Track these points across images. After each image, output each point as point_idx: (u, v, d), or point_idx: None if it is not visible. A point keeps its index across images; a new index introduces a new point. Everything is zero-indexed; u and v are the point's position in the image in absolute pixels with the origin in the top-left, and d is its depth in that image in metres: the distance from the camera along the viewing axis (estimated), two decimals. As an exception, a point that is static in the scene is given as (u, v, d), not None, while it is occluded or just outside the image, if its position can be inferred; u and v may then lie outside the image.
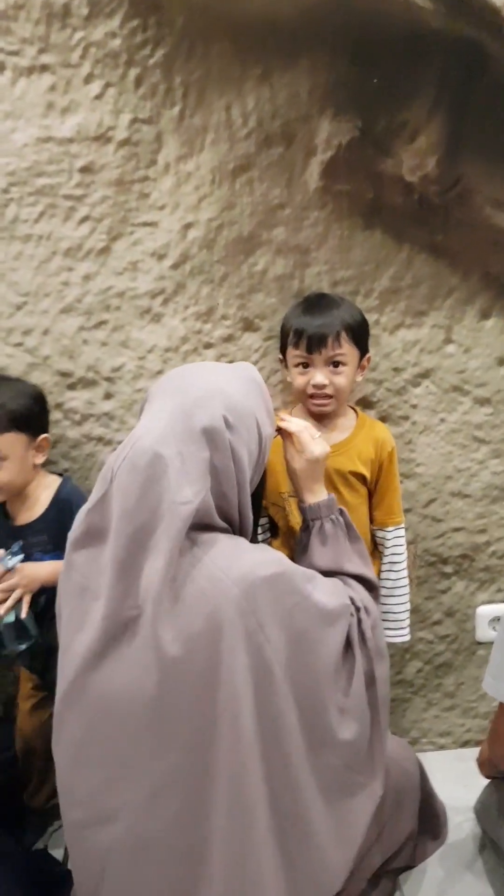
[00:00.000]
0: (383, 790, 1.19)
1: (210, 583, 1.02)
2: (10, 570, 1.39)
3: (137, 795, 1.04)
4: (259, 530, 1.64)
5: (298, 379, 1.49)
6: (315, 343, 1.43)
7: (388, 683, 1.24)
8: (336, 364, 1.46)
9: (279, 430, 1.36)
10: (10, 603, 1.38)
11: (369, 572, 1.29)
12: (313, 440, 1.35)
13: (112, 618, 1.06)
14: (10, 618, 1.40)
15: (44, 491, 1.50)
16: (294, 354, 1.47)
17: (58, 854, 1.57)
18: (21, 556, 1.41)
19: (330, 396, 1.48)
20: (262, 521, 1.63)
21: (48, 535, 1.48)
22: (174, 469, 1.04)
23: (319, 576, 1.19)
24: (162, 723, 1.02)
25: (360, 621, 1.18)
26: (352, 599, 1.19)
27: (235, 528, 1.14)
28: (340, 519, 1.33)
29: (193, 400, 1.09)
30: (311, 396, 1.49)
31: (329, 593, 1.16)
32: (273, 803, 1.05)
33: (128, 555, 1.05)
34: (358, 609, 1.19)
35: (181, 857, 1.04)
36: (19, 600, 1.39)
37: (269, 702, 1.03)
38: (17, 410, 1.41)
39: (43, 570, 1.41)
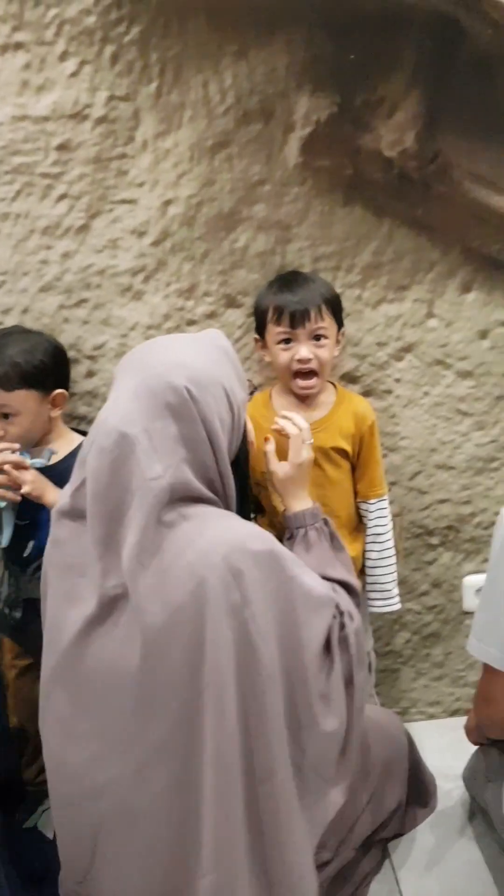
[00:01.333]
0: (343, 800, 1.18)
1: (197, 556, 1.03)
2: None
3: (125, 769, 1.05)
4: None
5: (282, 355, 1.50)
6: (298, 317, 1.45)
7: (364, 693, 1.24)
8: (318, 337, 1.48)
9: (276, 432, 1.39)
10: (10, 495, 1.39)
11: (353, 579, 1.29)
12: (304, 444, 1.37)
13: (100, 597, 1.07)
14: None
15: (63, 445, 1.50)
16: (277, 331, 1.48)
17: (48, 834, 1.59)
18: (41, 464, 1.44)
19: (314, 373, 1.50)
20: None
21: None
22: (141, 447, 1.04)
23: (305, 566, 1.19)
24: (148, 696, 1.03)
25: (343, 625, 1.18)
26: (337, 603, 1.19)
27: (221, 497, 1.14)
28: (325, 528, 1.34)
29: (155, 375, 1.08)
30: (296, 374, 1.50)
31: (316, 580, 1.16)
32: (251, 782, 1.05)
33: (105, 536, 1.06)
34: (342, 613, 1.18)
35: (171, 829, 1.05)
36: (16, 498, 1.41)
37: (252, 678, 1.04)
38: (29, 367, 1.41)
39: (51, 490, 1.40)
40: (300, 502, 1.36)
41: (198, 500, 1.10)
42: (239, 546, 1.05)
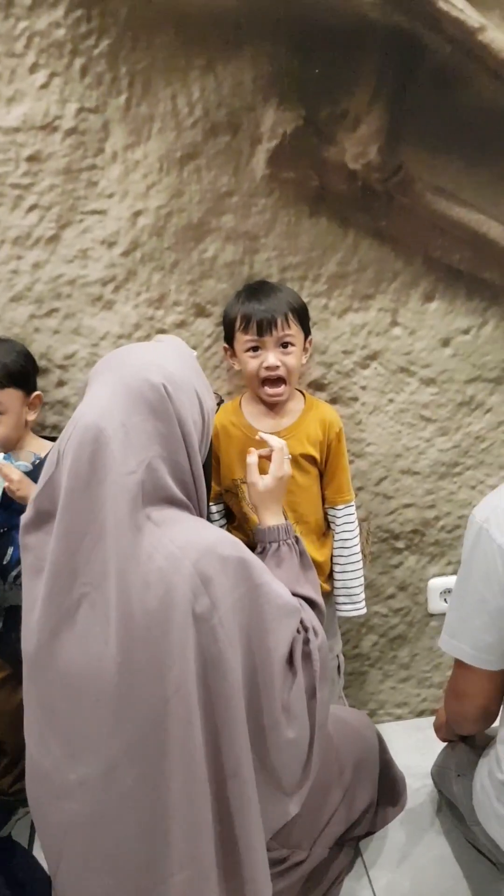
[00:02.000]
0: (296, 812, 1.19)
1: (167, 561, 1.03)
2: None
3: (96, 769, 1.05)
4: (217, 517, 1.67)
5: (251, 363, 1.52)
6: (266, 325, 1.48)
7: (328, 708, 1.25)
8: (285, 345, 1.51)
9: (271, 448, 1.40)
10: None
11: (320, 598, 1.30)
12: (286, 459, 1.40)
13: (60, 594, 1.07)
14: None
15: (38, 451, 1.51)
16: (245, 339, 1.51)
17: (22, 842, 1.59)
18: (27, 468, 1.46)
19: (282, 381, 1.52)
20: (218, 507, 1.67)
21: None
22: (118, 441, 1.05)
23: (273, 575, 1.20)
24: (117, 699, 1.04)
25: (307, 640, 1.19)
26: (301, 619, 1.20)
27: (193, 500, 1.15)
28: (296, 545, 1.35)
29: (132, 373, 1.10)
30: (265, 381, 1.53)
31: (284, 590, 1.18)
32: (219, 779, 1.06)
33: (77, 531, 1.06)
34: (306, 629, 1.20)
35: (139, 829, 1.05)
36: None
37: (219, 683, 1.05)
38: (13, 367, 1.44)
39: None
40: (275, 517, 1.37)
41: (171, 501, 1.10)
42: (209, 552, 1.06)
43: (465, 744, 1.50)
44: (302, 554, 1.35)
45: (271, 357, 1.50)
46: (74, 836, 1.09)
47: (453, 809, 1.55)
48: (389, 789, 1.56)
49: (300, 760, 1.18)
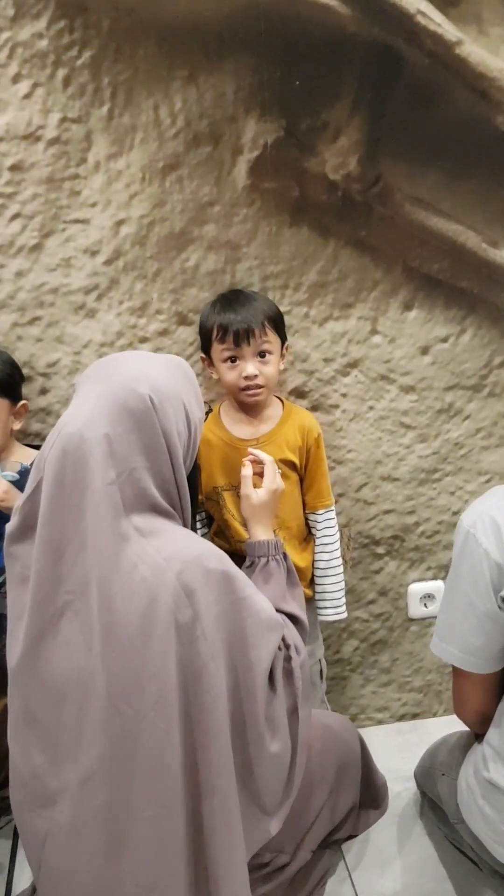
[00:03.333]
0: (277, 831, 1.18)
1: (151, 571, 1.03)
2: None
3: (74, 778, 1.05)
4: (199, 525, 1.68)
5: (229, 374, 1.52)
6: (242, 335, 1.48)
7: (308, 726, 1.24)
8: (263, 354, 1.52)
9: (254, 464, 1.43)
10: None
11: (303, 616, 1.31)
12: (278, 473, 1.41)
13: (44, 603, 1.07)
14: None
15: (23, 460, 1.51)
16: (221, 349, 1.51)
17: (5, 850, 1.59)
18: (13, 477, 1.45)
19: (261, 386, 1.54)
20: (199, 514, 1.68)
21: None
22: (101, 451, 1.05)
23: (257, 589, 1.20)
24: (98, 710, 1.03)
25: (289, 658, 1.19)
26: (283, 636, 1.20)
27: (178, 510, 1.15)
28: (284, 562, 1.36)
29: (119, 383, 1.10)
30: (244, 389, 1.54)
31: (267, 604, 1.18)
32: (195, 798, 1.05)
33: (60, 539, 1.06)
34: (288, 646, 1.20)
35: (104, 850, 1.04)
36: None
37: (200, 697, 1.04)
38: (3, 376, 1.45)
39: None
40: (265, 531, 1.38)
41: (156, 510, 1.10)
42: (193, 563, 1.06)
43: (450, 742, 1.52)
44: (289, 571, 1.36)
45: (250, 367, 1.50)
46: (53, 847, 1.08)
47: (436, 810, 1.57)
48: (371, 793, 1.57)
49: (281, 779, 1.17)
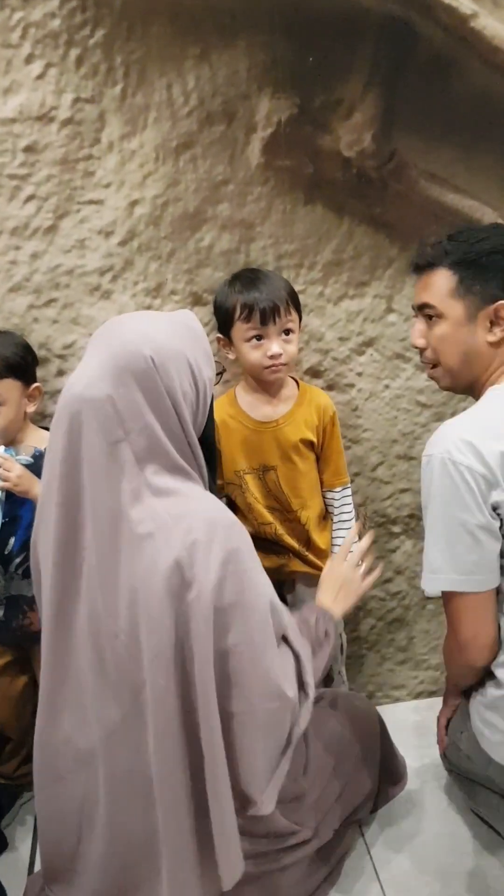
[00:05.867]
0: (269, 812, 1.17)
1: (158, 529, 1.05)
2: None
3: (101, 735, 1.11)
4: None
5: (253, 353, 1.52)
6: (270, 314, 1.47)
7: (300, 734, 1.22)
8: (287, 332, 1.52)
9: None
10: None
11: (316, 680, 1.28)
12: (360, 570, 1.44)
13: (62, 564, 1.11)
14: None
15: (38, 443, 1.53)
16: (246, 328, 1.50)
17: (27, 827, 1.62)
18: (27, 461, 1.47)
19: (284, 364, 1.53)
20: (221, 500, 1.68)
21: None
22: (105, 412, 1.06)
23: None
24: (106, 673, 1.09)
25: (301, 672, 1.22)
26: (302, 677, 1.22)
27: (194, 468, 1.15)
28: (332, 643, 1.36)
29: (120, 344, 1.10)
30: (267, 367, 1.53)
31: (268, 585, 1.17)
32: (191, 732, 1.08)
33: (67, 499, 1.09)
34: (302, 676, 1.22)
35: (145, 807, 1.10)
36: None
37: (189, 668, 1.05)
38: (13, 358, 1.46)
39: (38, 485, 1.40)
40: (341, 611, 1.40)
41: (173, 465, 1.11)
42: (201, 525, 1.07)
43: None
44: (332, 647, 1.36)
45: (275, 346, 1.50)
46: (91, 808, 1.14)
47: (463, 784, 1.58)
48: (390, 771, 1.58)
49: (269, 766, 1.17)
